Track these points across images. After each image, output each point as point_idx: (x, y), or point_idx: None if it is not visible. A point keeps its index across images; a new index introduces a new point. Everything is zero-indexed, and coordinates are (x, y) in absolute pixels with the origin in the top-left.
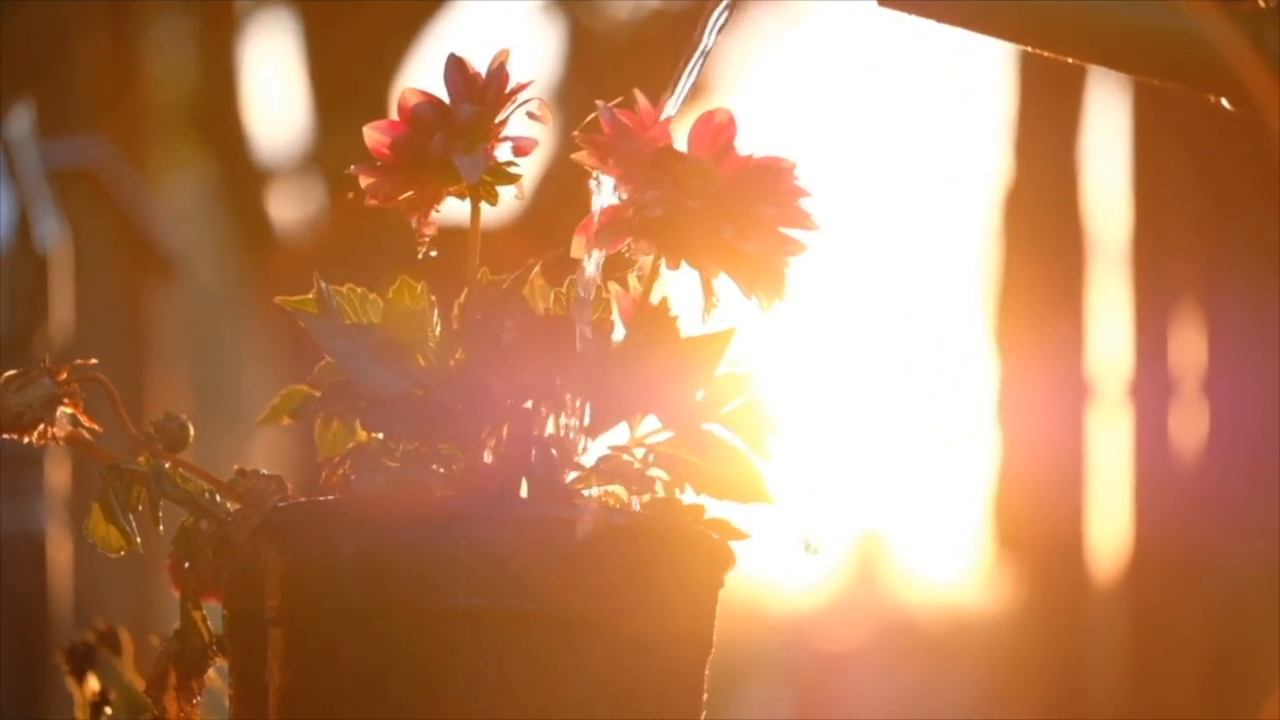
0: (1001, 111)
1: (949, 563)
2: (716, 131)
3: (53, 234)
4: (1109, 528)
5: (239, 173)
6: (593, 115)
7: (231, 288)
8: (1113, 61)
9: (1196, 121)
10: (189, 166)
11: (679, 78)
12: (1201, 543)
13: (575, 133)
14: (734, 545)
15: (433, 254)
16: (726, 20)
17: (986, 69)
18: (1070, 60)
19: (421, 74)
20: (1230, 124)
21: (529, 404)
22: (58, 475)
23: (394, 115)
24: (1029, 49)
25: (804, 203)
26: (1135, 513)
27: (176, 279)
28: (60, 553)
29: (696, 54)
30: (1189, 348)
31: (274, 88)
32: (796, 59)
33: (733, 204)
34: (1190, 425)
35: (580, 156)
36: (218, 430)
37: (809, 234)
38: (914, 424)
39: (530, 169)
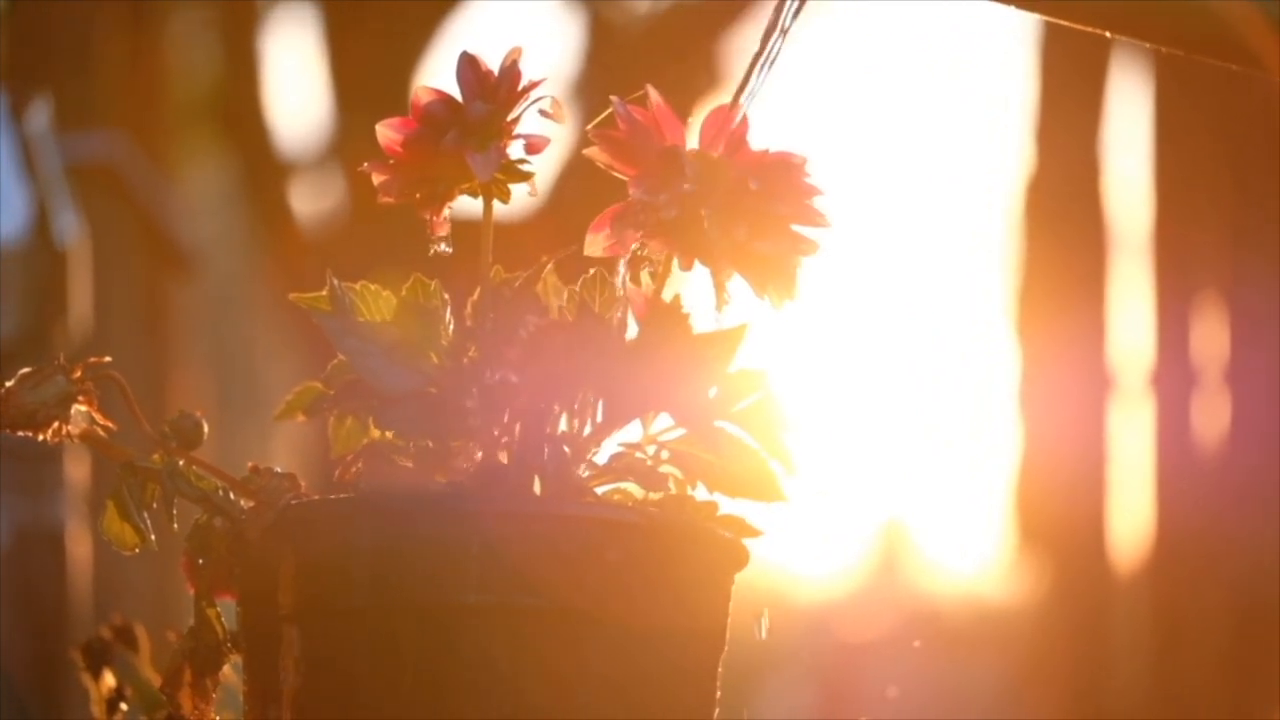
0: (1023, 102)
1: (972, 554)
2: (728, 128)
3: (71, 229)
4: (1131, 518)
5: (258, 167)
6: (608, 111)
7: (250, 282)
8: (1155, 37)
9: (1220, 112)
10: (208, 161)
11: (752, 70)
12: (1223, 533)
13: (589, 129)
14: (748, 542)
15: (444, 249)
16: (798, 9)
17: (1008, 60)
18: (1105, 33)
19: (442, 67)
20: (1253, 114)
21: (542, 402)
22: (77, 471)
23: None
24: (1054, 19)
25: (816, 200)
26: (1157, 503)
27: (195, 273)
28: (79, 547)
29: (771, 44)
30: (1211, 338)
31: (294, 82)
32: (817, 51)
33: (744, 202)
34: (1212, 416)
35: (593, 153)
36: (238, 424)
37: (822, 232)
38: (936, 416)
39: (546, 164)
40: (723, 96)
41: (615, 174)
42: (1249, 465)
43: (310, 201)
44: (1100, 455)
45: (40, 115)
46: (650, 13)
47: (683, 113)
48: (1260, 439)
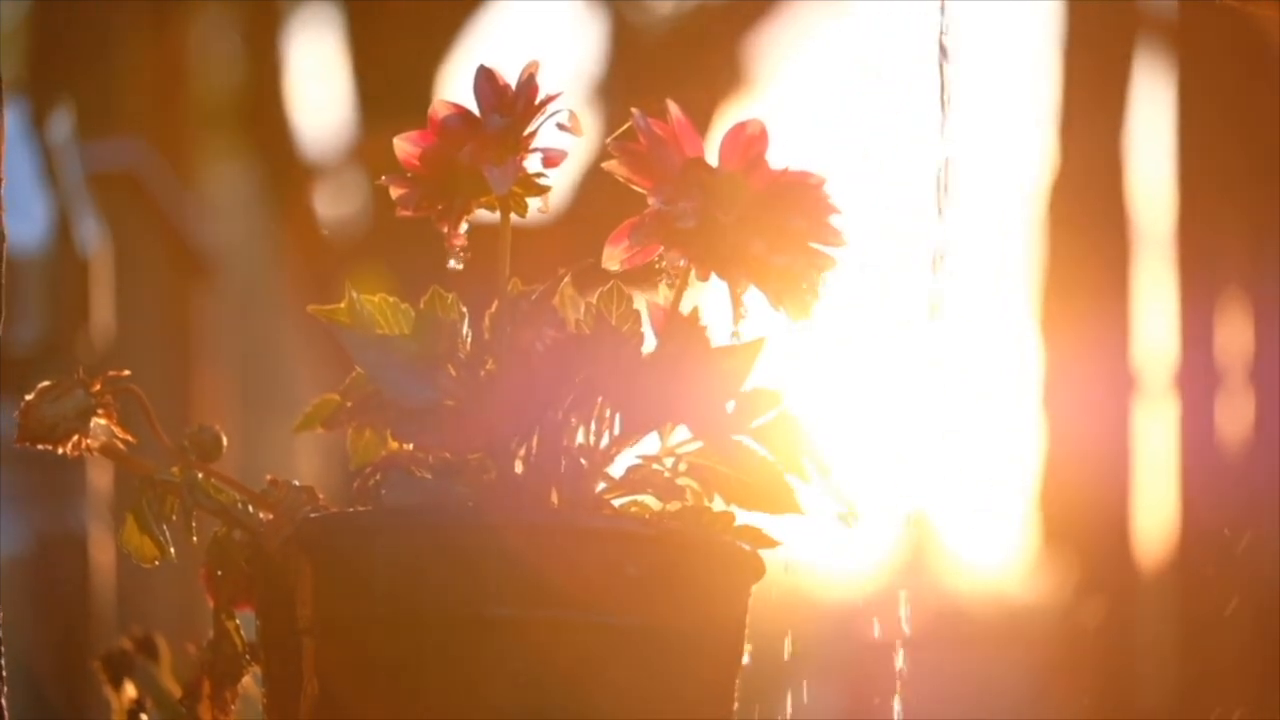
0: (1047, 100)
1: (997, 552)
2: (748, 144)
3: (93, 237)
4: (1156, 517)
5: (280, 173)
6: (626, 125)
7: (273, 289)
8: None
9: (1244, 109)
10: (230, 168)
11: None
12: (1248, 531)
13: (608, 142)
14: (765, 553)
15: (459, 266)
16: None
17: (1032, 56)
18: None
19: (465, 70)
20: (1278, 110)
21: (559, 414)
22: (100, 477)
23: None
24: None
25: (833, 218)
26: (1182, 502)
27: (217, 281)
28: (102, 554)
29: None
30: (1235, 337)
31: (316, 88)
32: (838, 49)
33: (763, 217)
34: (1236, 414)
35: (612, 166)
36: (262, 431)
37: (838, 249)
38: (960, 414)
39: (568, 169)
40: (745, 97)
41: (634, 187)
42: (1273, 462)
43: (333, 207)
44: (1125, 453)
45: (62, 123)
46: (673, 13)
47: (706, 115)
48: None
